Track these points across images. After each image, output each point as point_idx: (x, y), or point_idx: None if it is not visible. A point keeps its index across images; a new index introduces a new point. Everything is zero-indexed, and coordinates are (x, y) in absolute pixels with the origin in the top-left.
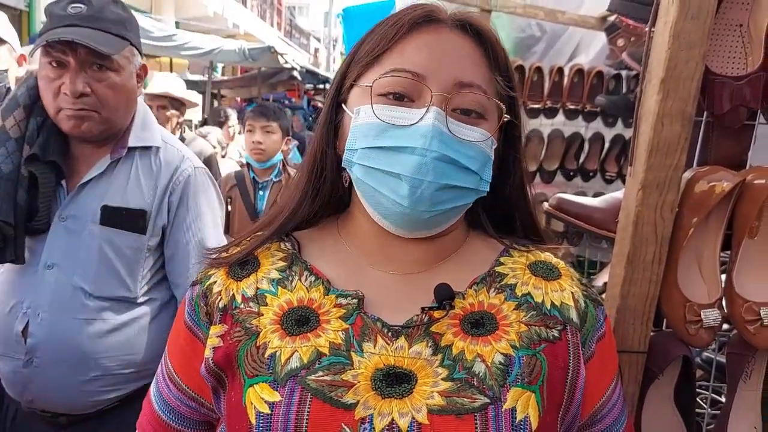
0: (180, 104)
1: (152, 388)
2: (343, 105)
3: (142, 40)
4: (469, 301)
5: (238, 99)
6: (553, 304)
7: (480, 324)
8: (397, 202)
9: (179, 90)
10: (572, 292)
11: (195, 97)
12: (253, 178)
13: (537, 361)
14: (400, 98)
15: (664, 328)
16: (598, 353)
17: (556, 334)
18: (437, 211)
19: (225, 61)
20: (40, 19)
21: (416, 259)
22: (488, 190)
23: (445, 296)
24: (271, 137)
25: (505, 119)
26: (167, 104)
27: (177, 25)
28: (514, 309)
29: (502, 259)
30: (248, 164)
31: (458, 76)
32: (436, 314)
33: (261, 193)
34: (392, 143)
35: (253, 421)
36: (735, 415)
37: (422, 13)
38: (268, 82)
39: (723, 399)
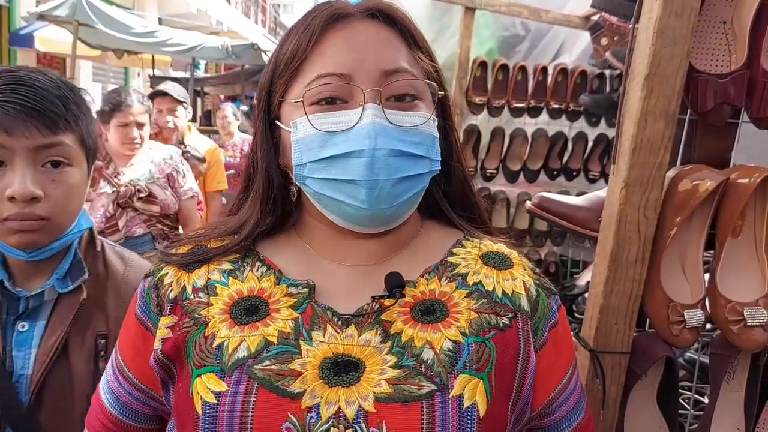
0: None
1: (101, 384)
2: (277, 122)
3: (125, 37)
4: (420, 289)
5: (222, 96)
6: (504, 292)
7: (430, 311)
8: (358, 206)
9: None
10: (524, 281)
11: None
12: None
13: (486, 348)
14: (332, 102)
15: (647, 328)
16: (551, 341)
17: (507, 322)
18: (398, 203)
19: (208, 57)
20: (20, 14)
21: (370, 252)
22: (439, 168)
23: (395, 284)
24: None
25: (440, 94)
26: None
27: (160, 21)
28: (465, 297)
29: (454, 250)
30: None
31: (382, 65)
32: (387, 302)
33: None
34: (338, 150)
35: (200, 411)
36: (718, 416)
37: (329, 13)
38: (251, 79)
39: (706, 399)
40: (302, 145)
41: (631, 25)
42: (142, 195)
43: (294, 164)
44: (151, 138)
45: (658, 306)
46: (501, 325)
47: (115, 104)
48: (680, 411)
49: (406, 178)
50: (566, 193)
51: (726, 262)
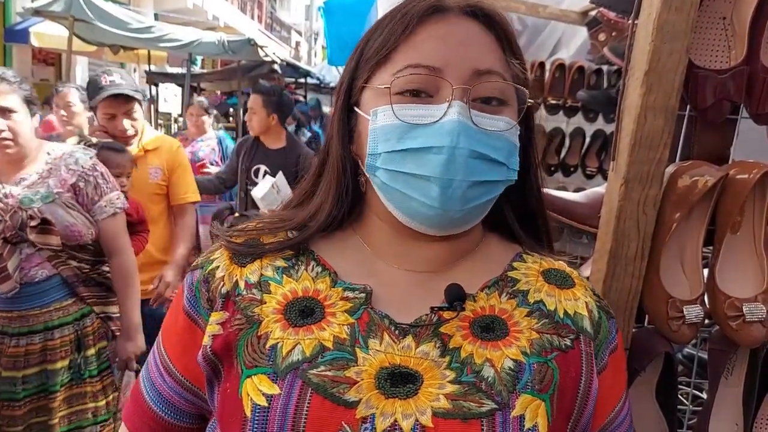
0: None
1: (142, 378)
2: (355, 108)
3: (121, 32)
4: (480, 304)
5: (218, 92)
6: (566, 312)
7: (490, 329)
8: (428, 205)
9: None
10: (586, 302)
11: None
12: None
13: (548, 369)
14: (416, 94)
15: (646, 324)
16: (610, 365)
17: (569, 343)
18: (470, 207)
19: (204, 53)
20: (15, 10)
21: (430, 258)
22: (515, 178)
23: (456, 297)
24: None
25: (530, 103)
26: None
27: (156, 17)
28: (525, 316)
29: (515, 264)
30: None
31: (475, 64)
32: (446, 315)
33: None
34: (417, 144)
35: (249, 414)
36: (716, 412)
37: (428, 5)
38: (248, 75)
39: (704, 395)
40: (380, 135)
41: (630, 21)
42: (33, 223)
43: (368, 153)
44: None
45: (657, 302)
46: (563, 346)
47: None
48: (679, 406)
49: (481, 182)
50: (564, 188)
51: (725, 258)
